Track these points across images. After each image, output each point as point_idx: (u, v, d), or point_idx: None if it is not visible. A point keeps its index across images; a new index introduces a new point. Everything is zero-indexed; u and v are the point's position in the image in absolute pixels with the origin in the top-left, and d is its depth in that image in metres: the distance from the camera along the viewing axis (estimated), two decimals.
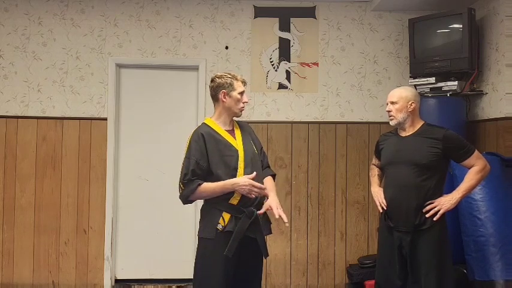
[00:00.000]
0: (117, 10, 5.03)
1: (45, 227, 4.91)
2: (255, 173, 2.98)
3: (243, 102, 3.11)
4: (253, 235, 3.02)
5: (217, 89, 3.09)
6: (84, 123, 4.98)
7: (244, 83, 3.14)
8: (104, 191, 4.96)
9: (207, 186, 2.97)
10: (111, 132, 4.99)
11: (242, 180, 2.94)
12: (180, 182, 3.00)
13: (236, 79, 3.10)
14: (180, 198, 3.05)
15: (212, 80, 3.14)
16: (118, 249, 5.04)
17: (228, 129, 3.12)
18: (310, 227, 5.06)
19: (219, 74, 3.16)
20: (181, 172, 3.00)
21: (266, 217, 3.16)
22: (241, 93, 3.09)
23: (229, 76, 3.10)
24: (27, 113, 4.96)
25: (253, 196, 2.97)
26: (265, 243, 3.12)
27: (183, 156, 3.04)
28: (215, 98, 3.12)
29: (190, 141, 3.04)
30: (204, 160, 2.98)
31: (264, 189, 3.00)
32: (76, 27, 5.02)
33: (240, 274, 3.03)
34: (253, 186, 2.93)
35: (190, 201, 3.06)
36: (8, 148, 4.92)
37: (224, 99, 3.08)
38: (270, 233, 3.20)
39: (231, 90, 3.07)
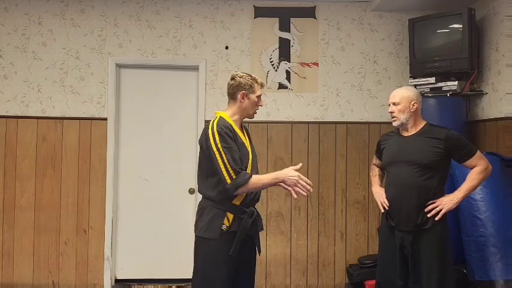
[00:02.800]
0: (117, 10, 5.03)
1: (45, 227, 4.91)
2: (300, 164, 2.98)
3: (259, 105, 3.10)
4: (252, 233, 3.05)
5: (236, 89, 3.05)
6: (84, 123, 4.98)
7: (262, 86, 3.11)
8: (104, 191, 4.96)
9: (257, 180, 2.92)
10: (111, 132, 4.99)
11: (290, 173, 2.91)
12: (231, 170, 2.86)
13: (256, 82, 3.07)
14: (228, 187, 2.87)
15: (233, 78, 3.08)
16: (118, 249, 5.04)
17: (240, 128, 3.11)
18: (310, 227, 5.06)
19: (240, 73, 3.10)
20: (226, 162, 2.87)
21: (258, 214, 3.16)
22: (259, 96, 3.08)
23: (250, 78, 3.06)
24: (27, 113, 4.95)
25: (298, 190, 2.89)
26: (259, 240, 3.14)
27: (214, 146, 2.90)
28: (233, 96, 3.08)
29: (218, 132, 2.92)
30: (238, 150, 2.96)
31: (309, 184, 2.91)
32: (76, 27, 5.02)
33: (238, 272, 3.04)
34: (300, 178, 2.89)
35: (235, 194, 2.92)
36: (8, 148, 4.92)
37: (242, 100, 3.05)
38: (263, 229, 3.20)
39: (250, 93, 3.04)
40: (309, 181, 2.93)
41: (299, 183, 2.90)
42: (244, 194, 2.98)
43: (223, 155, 2.88)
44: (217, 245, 2.94)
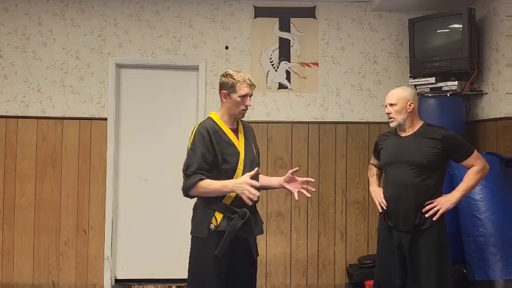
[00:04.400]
0: (117, 10, 5.03)
1: (45, 227, 4.91)
2: (256, 168, 2.96)
3: (245, 105, 3.05)
4: (245, 235, 3.00)
5: (220, 88, 3.07)
6: (84, 123, 4.98)
7: (251, 86, 3.05)
8: (104, 191, 4.96)
9: (207, 184, 2.91)
10: (111, 132, 4.99)
11: (240, 180, 2.89)
12: (182, 172, 2.95)
13: (239, 81, 3.00)
14: (182, 189, 2.99)
15: (220, 77, 3.11)
16: (118, 249, 5.04)
17: (232, 127, 3.09)
18: (310, 227, 5.06)
19: (228, 71, 3.08)
20: (184, 163, 2.96)
21: (258, 217, 3.16)
22: (244, 96, 3.02)
23: (233, 77, 3.02)
24: (27, 113, 4.96)
25: (245, 198, 2.84)
26: (256, 243, 3.11)
27: (187, 148, 2.99)
28: (219, 95, 3.09)
29: (195, 134, 2.98)
30: (209, 153, 2.94)
31: (257, 188, 2.87)
32: (76, 27, 5.02)
33: (234, 274, 3.02)
34: (246, 183, 2.84)
35: (190, 196, 2.99)
36: (8, 148, 4.92)
37: (224, 99, 3.05)
38: (262, 232, 3.17)
39: (231, 92, 3.01)
40: (254, 190, 2.83)
41: (248, 190, 2.83)
42: (235, 194, 2.94)
43: (187, 158, 2.98)
44: (206, 244, 2.94)
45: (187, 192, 2.96)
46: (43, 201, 4.92)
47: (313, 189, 3.04)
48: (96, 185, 4.97)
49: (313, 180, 3.07)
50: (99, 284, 4.94)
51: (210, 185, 2.92)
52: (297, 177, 3.07)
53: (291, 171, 3.01)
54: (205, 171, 2.93)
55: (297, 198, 2.97)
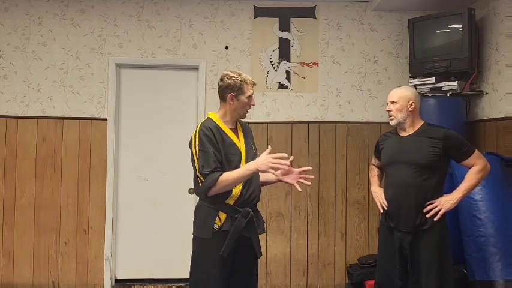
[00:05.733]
0: (117, 10, 5.03)
1: (45, 227, 4.91)
2: (269, 147, 2.95)
3: (251, 105, 3.07)
4: (248, 234, 3.01)
5: (225, 90, 3.02)
6: (84, 123, 4.98)
7: (253, 85, 3.07)
8: (104, 191, 4.96)
9: (226, 176, 2.89)
10: (111, 132, 4.99)
11: (261, 158, 2.88)
12: (199, 174, 2.92)
13: (246, 82, 3.01)
14: (200, 191, 2.96)
15: (221, 79, 3.05)
16: (118, 249, 5.04)
17: (232, 127, 3.09)
18: (310, 227, 5.06)
19: (230, 73, 3.05)
20: (198, 166, 2.92)
21: (260, 216, 3.16)
22: (250, 96, 3.04)
23: (239, 79, 3.01)
24: (27, 113, 4.96)
25: (274, 171, 2.87)
26: (259, 243, 3.11)
27: (194, 150, 2.96)
28: (222, 97, 3.06)
29: (199, 135, 2.95)
30: (218, 152, 2.93)
31: (284, 157, 2.88)
32: (76, 27, 5.02)
33: (235, 274, 3.03)
34: (272, 158, 2.85)
35: (210, 195, 2.94)
36: (8, 148, 4.92)
37: (231, 102, 3.02)
38: (263, 232, 3.17)
39: (239, 94, 3.00)
40: (281, 154, 2.88)
41: (272, 162, 2.84)
42: (238, 193, 2.97)
43: (198, 159, 2.93)
44: (210, 245, 2.94)
45: (207, 192, 2.92)
46: (43, 201, 4.92)
47: (312, 177, 3.02)
48: (96, 185, 4.97)
49: (310, 168, 3.07)
50: (99, 284, 4.94)
51: (230, 175, 2.90)
52: (293, 169, 3.05)
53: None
54: (220, 169, 2.92)
55: (299, 189, 2.94)
